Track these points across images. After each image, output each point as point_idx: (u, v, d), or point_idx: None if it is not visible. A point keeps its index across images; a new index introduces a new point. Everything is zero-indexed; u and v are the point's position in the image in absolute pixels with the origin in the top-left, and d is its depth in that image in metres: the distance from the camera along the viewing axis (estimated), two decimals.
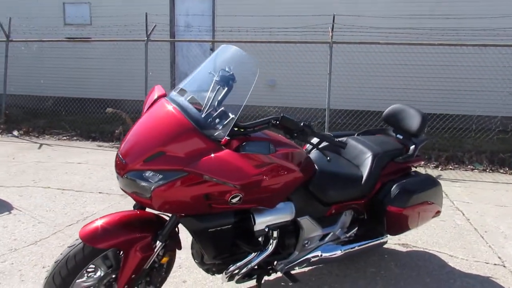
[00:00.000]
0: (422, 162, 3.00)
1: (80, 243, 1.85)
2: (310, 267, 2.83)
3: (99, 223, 1.89)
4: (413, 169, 2.91)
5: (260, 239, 2.13)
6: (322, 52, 6.84)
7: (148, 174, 1.77)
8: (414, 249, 3.22)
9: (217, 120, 1.92)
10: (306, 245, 2.42)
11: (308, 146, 2.96)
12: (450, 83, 7.11)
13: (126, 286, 1.93)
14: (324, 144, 2.87)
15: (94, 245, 1.81)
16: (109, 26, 8.56)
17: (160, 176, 1.74)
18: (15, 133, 7.55)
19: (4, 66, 8.02)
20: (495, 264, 2.98)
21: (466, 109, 6.93)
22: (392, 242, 3.30)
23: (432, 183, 2.71)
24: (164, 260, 2.10)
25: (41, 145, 6.75)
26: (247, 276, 2.30)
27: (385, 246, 3.21)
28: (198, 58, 9.01)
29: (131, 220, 1.97)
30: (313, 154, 2.80)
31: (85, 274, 1.98)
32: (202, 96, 2.08)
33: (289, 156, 2.10)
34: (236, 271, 2.16)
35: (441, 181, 5.13)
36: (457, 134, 6.67)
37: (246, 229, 2.08)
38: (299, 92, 7.57)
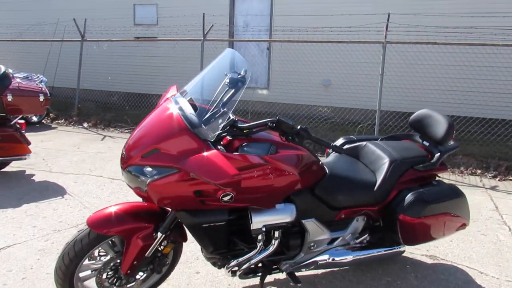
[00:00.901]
0: (445, 171, 2.82)
1: (87, 228, 2.04)
2: (323, 270, 2.82)
3: (106, 211, 2.07)
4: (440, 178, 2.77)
5: (260, 237, 2.16)
6: (376, 52, 6.62)
7: (146, 169, 1.90)
8: (441, 262, 3.05)
9: (215, 121, 2.00)
10: (312, 248, 2.42)
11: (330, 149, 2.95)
12: None
13: (129, 271, 2.10)
14: (346, 146, 2.86)
15: (97, 231, 1.99)
16: (171, 26, 9.02)
17: (155, 172, 1.87)
18: (85, 125, 8.27)
19: (78, 64, 8.80)
20: None
21: None
22: (419, 252, 3.16)
23: (454, 194, 2.56)
24: (166, 250, 2.23)
25: (104, 137, 7.33)
26: (251, 273, 2.37)
27: (411, 256, 3.10)
28: (255, 58, 9.17)
29: (137, 210, 2.13)
30: (331, 158, 2.78)
31: (97, 257, 2.18)
32: (208, 97, 2.17)
33: (290, 159, 2.12)
34: (237, 267, 2.24)
35: (495, 192, 4.82)
36: None
37: (244, 227, 2.15)
38: (352, 93, 7.41)
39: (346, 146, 2.86)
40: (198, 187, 1.85)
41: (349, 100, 7.33)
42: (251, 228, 2.10)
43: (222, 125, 1.93)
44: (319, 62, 7.60)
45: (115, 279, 2.18)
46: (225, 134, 2.05)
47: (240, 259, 2.20)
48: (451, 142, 2.80)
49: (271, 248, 2.21)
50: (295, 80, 8.09)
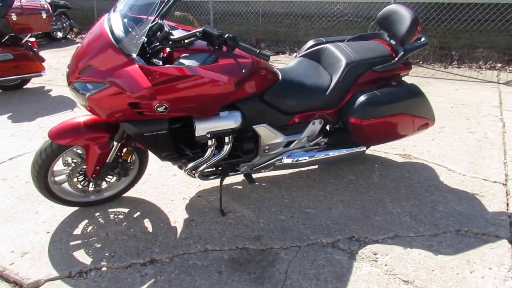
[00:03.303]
0: (409, 71, 2.73)
1: (49, 139, 2.29)
2: (291, 170, 2.99)
3: (66, 123, 2.30)
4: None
5: (210, 143, 2.31)
6: None
7: (88, 85, 2.04)
8: (413, 160, 3.10)
9: (136, 34, 2.02)
10: (267, 151, 2.56)
11: (299, 52, 2.94)
12: None
13: (94, 175, 2.39)
14: (310, 50, 2.83)
15: (56, 141, 2.23)
16: None
17: (91, 87, 2.01)
18: None
19: None
20: (494, 182, 2.75)
21: None
22: (394, 152, 3.22)
23: (411, 94, 2.52)
24: (126, 156, 2.47)
25: None
26: (212, 175, 2.59)
27: (383, 156, 3.18)
28: None
29: (95, 122, 2.33)
30: (293, 62, 2.78)
31: (71, 163, 2.46)
32: (146, 9, 2.17)
33: (229, 68, 2.13)
34: (194, 170, 2.45)
35: (507, 88, 4.57)
36: None
37: (192, 134, 2.29)
38: None
39: (312, 49, 2.83)
40: (130, 99, 1.98)
41: None
42: (196, 135, 2.24)
43: (142, 38, 1.97)
44: None
45: (86, 182, 2.49)
46: (161, 46, 2.10)
47: (195, 163, 2.40)
48: (423, 39, 2.67)
49: (223, 153, 2.38)
50: None
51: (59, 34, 8.78)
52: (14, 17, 4.77)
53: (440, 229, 2.30)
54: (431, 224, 2.35)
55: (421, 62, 5.87)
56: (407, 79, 2.80)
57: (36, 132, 3.95)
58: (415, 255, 2.09)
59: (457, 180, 2.80)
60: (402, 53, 2.54)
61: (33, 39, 5.24)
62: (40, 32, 6.75)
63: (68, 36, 8.98)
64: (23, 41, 5.08)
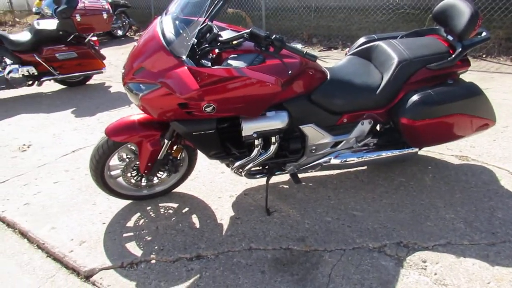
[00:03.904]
0: (467, 69, 2.56)
1: (106, 136, 2.42)
2: (340, 171, 2.94)
3: (121, 121, 2.42)
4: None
5: (256, 142, 2.33)
6: None
7: (141, 86, 2.13)
8: (471, 162, 2.92)
9: (185, 37, 2.07)
10: (314, 151, 2.53)
11: (349, 50, 2.87)
12: None
13: (146, 171, 2.50)
14: (361, 47, 2.76)
15: (112, 138, 2.36)
16: None
17: (144, 87, 2.10)
18: None
19: None
20: None
21: None
22: (450, 153, 3.06)
23: (468, 93, 2.37)
24: (176, 154, 2.55)
25: None
26: (258, 174, 2.61)
27: (438, 157, 3.03)
28: None
29: (148, 120, 2.43)
30: (343, 61, 2.72)
31: (125, 159, 2.59)
32: (197, 11, 2.23)
33: (275, 69, 2.13)
34: (241, 169, 2.49)
35: None
36: None
37: (240, 134, 2.32)
38: None
39: (362, 47, 2.75)
40: (179, 100, 2.04)
41: None
42: (243, 135, 2.27)
43: (192, 40, 2.01)
44: None
45: (139, 177, 2.61)
46: (210, 47, 2.14)
47: (242, 161, 2.43)
48: (484, 33, 2.50)
49: (269, 152, 2.38)
50: None
51: (119, 32, 9.22)
52: (78, 18, 5.08)
53: (498, 238, 2.16)
54: (488, 232, 2.21)
55: (484, 56, 5.50)
56: (467, 74, 2.64)
57: (96, 127, 4.19)
58: (468, 265, 1.98)
59: None
60: (460, 49, 2.40)
61: (95, 38, 5.54)
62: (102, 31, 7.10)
63: (127, 34, 9.40)
64: (86, 40, 5.39)
